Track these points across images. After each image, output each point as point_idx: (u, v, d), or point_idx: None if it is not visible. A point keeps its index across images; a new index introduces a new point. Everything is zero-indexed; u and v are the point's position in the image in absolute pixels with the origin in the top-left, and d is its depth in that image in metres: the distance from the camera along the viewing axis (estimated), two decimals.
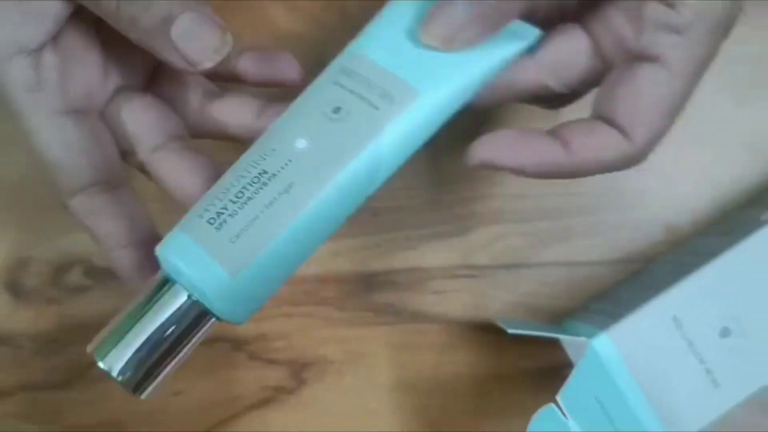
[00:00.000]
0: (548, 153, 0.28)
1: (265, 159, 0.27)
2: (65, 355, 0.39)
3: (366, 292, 0.39)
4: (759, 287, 0.33)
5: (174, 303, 0.27)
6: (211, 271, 0.26)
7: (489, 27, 0.28)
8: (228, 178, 0.27)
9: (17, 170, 0.39)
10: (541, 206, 0.39)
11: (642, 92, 0.28)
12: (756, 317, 0.33)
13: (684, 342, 0.33)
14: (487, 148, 0.28)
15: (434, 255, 0.39)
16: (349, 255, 0.39)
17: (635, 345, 0.32)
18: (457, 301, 0.39)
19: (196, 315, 0.27)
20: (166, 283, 0.27)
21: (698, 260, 0.34)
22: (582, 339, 0.32)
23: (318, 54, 0.38)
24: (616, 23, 0.28)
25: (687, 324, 0.33)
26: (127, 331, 0.27)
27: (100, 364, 0.27)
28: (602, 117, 0.28)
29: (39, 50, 0.29)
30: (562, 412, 0.30)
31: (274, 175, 0.27)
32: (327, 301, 0.39)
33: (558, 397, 0.31)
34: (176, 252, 0.27)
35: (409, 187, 0.39)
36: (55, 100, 0.30)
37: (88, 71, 0.31)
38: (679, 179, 0.38)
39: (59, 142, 0.30)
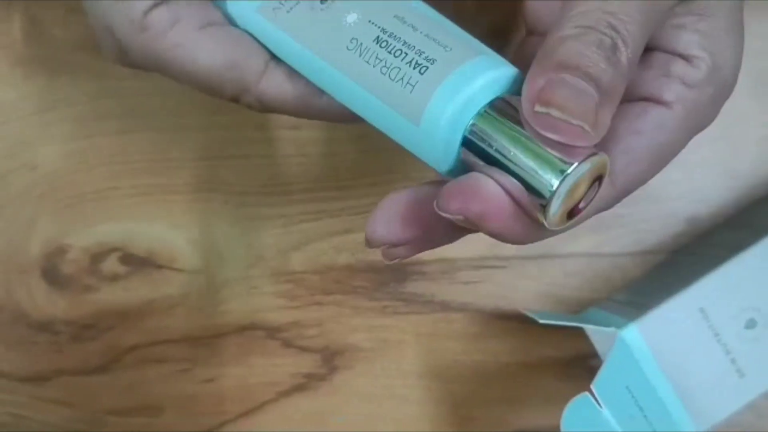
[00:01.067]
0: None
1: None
2: (102, 341, 0.40)
3: (396, 281, 0.40)
4: None
5: None
6: None
7: None
8: None
9: (55, 160, 0.40)
10: None
11: (643, 133, 0.27)
12: None
13: (710, 333, 0.33)
14: (459, 199, 0.26)
15: (462, 246, 0.38)
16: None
17: (663, 336, 0.33)
18: (484, 291, 0.40)
19: None
20: None
21: (722, 253, 0.34)
22: (611, 329, 0.33)
23: None
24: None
25: (713, 315, 0.33)
26: None
27: None
28: None
29: None
30: (597, 401, 0.31)
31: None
32: (358, 290, 0.40)
33: (593, 386, 0.31)
34: None
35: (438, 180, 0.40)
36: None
37: None
38: (701, 172, 0.39)
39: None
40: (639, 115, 0.27)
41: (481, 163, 0.24)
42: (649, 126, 0.27)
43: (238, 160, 0.39)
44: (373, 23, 0.26)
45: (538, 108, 0.23)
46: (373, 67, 0.26)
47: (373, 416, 0.40)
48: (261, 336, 0.40)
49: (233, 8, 0.29)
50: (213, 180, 0.40)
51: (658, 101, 0.27)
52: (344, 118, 0.29)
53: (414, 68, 0.25)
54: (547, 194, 0.23)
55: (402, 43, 0.26)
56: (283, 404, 0.40)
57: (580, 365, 0.39)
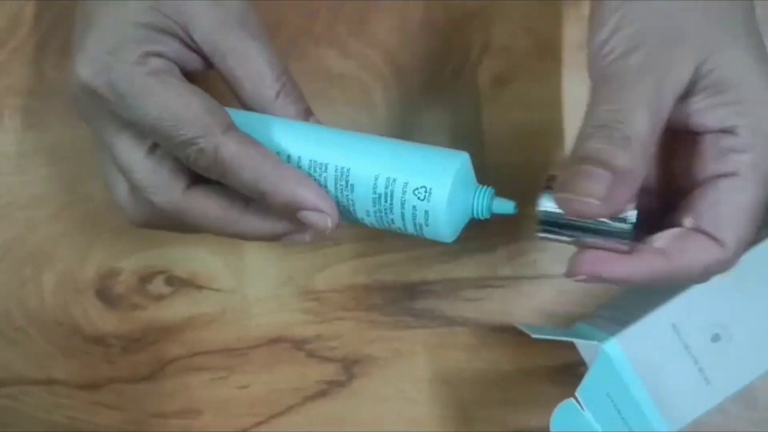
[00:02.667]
0: (652, 263, 0.30)
1: None
2: (148, 353, 0.42)
3: (407, 299, 0.42)
4: (744, 300, 0.36)
5: None
6: None
7: None
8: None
9: (108, 193, 0.40)
10: None
11: (723, 200, 0.30)
12: (741, 325, 0.36)
13: (681, 345, 0.35)
14: (591, 264, 0.30)
15: (466, 268, 0.42)
16: (393, 268, 0.42)
17: (640, 348, 0.35)
18: (486, 307, 0.41)
19: None
20: None
21: None
22: (594, 343, 0.35)
23: (365, 93, 0.42)
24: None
25: (684, 330, 0.35)
26: None
27: None
28: (688, 228, 0.30)
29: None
30: (580, 406, 0.34)
31: None
32: (374, 307, 0.42)
33: (577, 393, 0.34)
34: None
35: None
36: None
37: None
38: None
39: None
40: (715, 189, 0.30)
41: (564, 235, 0.31)
42: (725, 193, 0.30)
43: None
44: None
45: (559, 195, 0.29)
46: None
47: (388, 417, 0.42)
48: (288, 347, 0.42)
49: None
50: None
51: (724, 175, 0.30)
52: (301, 187, 0.32)
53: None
54: (629, 235, 0.30)
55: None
56: (308, 407, 0.42)
57: (570, 372, 0.41)
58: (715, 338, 0.36)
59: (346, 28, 0.42)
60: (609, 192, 0.28)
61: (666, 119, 0.30)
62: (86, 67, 0.32)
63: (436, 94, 0.42)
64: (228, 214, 0.33)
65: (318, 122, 0.35)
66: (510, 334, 0.41)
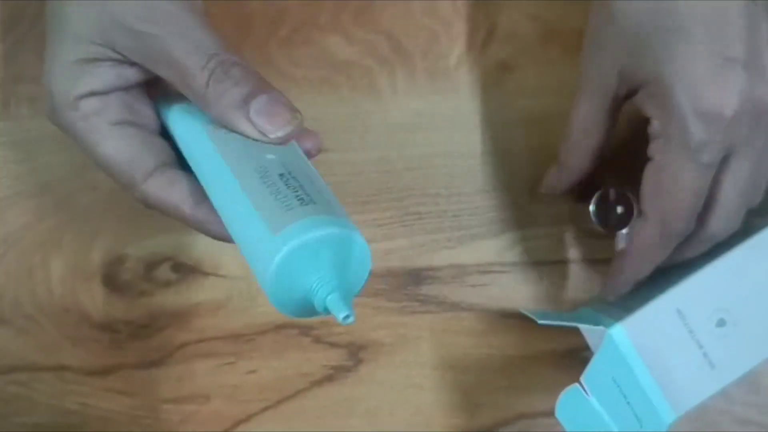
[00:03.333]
0: (624, 265, 0.37)
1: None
2: (156, 339, 0.43)
3: (413, 285, 0.42)
4: (749, 286, 0.36)
5: None
6: None
7: None
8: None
9: (113, 181, 0.41)
10: (560, 212, 0.42)
11: (642, 183, 0.35)
12: (746, 311, 0.36)
13: (686, 331, 0.36)
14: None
15: (471, 254, 0.42)
16: (399, 254, 0.42)
17: (645, 333, 0.35)
18: (490, 293, 0.42)
19: None
20: None
21: (697, 260, 0.37)
22: (600, 328, 0.35)
23: (370, 80, 0.42)
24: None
25: (689, 316, 0.36)
26: None
27: None
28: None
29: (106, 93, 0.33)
30: (585, 391, 0.34)
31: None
32: (380, 292, 0.42)
33: (582, 378, 0.34)
34: None
35: (450, 195, 0.42)
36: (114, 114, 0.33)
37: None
38: None
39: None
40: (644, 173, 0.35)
41: None
42: (647, 175, 0.35)
43: None
44: (283, 164, 0.30)
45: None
46: (267, 187, 0.29)
47: (394, 402, 0.42)
48: (295, 333, 0.43)
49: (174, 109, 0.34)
50: None
51: (649, 158, 0.35)
52: (215, 232, 0.33)
53: (298, 200, 0.28)
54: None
55: (298, 184, 0.29)
56: (315, 392, 0.43)
57: (574, 357, 0.41)
58: (720, 323, 0.36)
59: (352, 15, 0.42)
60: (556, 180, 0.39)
61: (606, 119, 0.36)
62: (46, 101, 0.34)
63: (441, 81, 0.42)
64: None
65: (274, 96, 0.32)
66: (515, 320, 0.42)
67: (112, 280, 0.43)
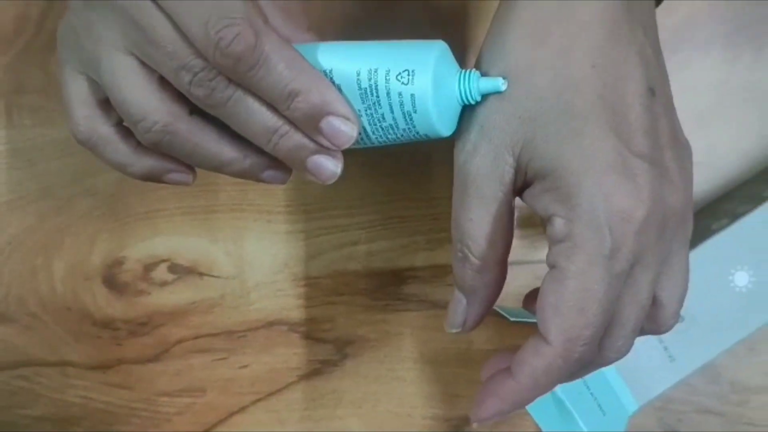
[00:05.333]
0: (506, 389, 0.29)
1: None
2: (154, 336, 0.44)
3: (395, 284, 0.44)
4: (705, 286, 0.37)
5: None
6: None
7: None
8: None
9: (112, 186, 0.44)
10: (531, 215, 0.43)
11: (543, 296, 0.28)
12: (703, 308, 0.37)
13: None
14: (475, 414, 0.30)
15: (449, 255, 0.42)
16: (382, 255, 0.44)
17: None
18: None
19: None
20: None
21: None
22: None
23: None
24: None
25: None
26: None
27: None
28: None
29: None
30: None
31: None
32: (364, 291, 0.44)
33: None
34: None
35: (431, 199, 0.43)
36: None
37: None
38: None
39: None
40: (542, 285, 0.28)
41: None
42: (545, 288, 0.28)
43: (265, 185, 0.40)
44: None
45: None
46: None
47: (378, 394, 0.44)
48: (285, 330, 0.44)
49: None
50: (244, 201, 0.44)
51: (550, 267, 0.28)
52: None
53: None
54: None
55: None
56: (303, 385, 0.44)
57: None
58: (680, 319, 0.37)
59: (338, 29, 0.43)
60: (465, 315, 0.31)
61: (508, 218, 0.29)
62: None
63: None
64: (221, 144, 0.31)
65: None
66: (490, 317, 0.40)
67: (111, 280, 0.44)
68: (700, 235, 0.39)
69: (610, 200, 0.27)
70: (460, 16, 0.43)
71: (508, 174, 0.29)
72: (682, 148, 0.29)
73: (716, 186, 0.42)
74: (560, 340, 0.27)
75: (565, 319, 0.27)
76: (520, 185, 0.29)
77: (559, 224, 0.27)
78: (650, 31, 0.29)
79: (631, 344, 0.30)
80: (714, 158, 0.42)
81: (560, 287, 0.27)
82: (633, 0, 0.29)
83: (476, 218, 0.29)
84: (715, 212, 0.41)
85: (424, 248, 0.44)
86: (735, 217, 0.39)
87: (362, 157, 0.42)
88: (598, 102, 0.27)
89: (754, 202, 0.39)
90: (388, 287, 0.44)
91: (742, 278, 0.39)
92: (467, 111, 0.30)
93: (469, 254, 0.29)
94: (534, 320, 0.38)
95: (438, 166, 0.44)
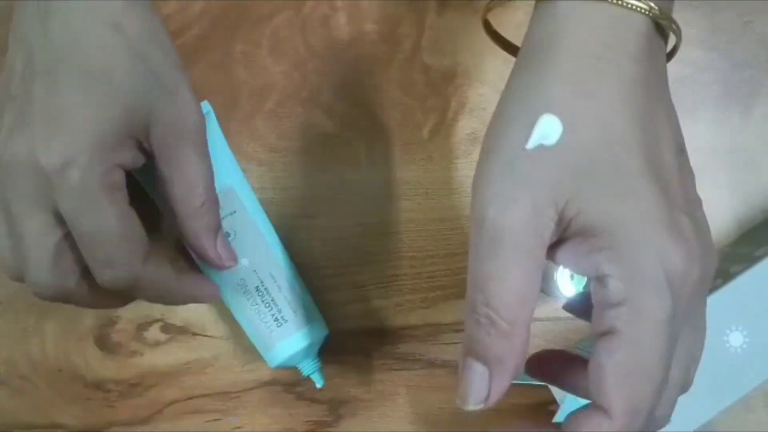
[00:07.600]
0: None
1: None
2: (146, 397, 0.44)
3: (390, 344, 0.44)
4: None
5: None
6: None
7: None
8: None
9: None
10: None
11: (603, 363, 0.25)
12: (698, 369, 0.32)
13: None
14: None
15: (445, 313, 0.44)
16: (377, 314, 0.44)
17: None
18: None
19: None
20: None
21: None
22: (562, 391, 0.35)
23: (350, 151, 0.44)
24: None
25: None
26: None
27: None
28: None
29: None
30: None
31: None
32: (359, 351, 0.44)
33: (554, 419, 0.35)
34: None
35: (425, 258, 0.44)
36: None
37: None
38: None
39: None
40: (596, 352, 0.26)
41: None
42: (602, 357, 0.26)
43: None
44: (255, 272, 0.41)
45: (457, 401, 0.27)
46: (251, 305, 0.41)
47: None
48: (279, 390, 0.44)
49: None
50: None
51: (603, 334, 0.26)
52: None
53: (274, 321, 0.41)
54: None
55: (271, 299, 0.41)
56: None
57: (543, 410, 0.43)
58: None
59: (332, 90, 0.44)
60: (488, 389, 0.27)
61: (537, 275, 0.26)
62: (51, 152, 0.30)
63: (416, 151, 0.44)
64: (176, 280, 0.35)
65: (225, 241, 0.36)
66: None
67: (103, 341, 0.44)
68: None
69: (670, 261, 0.26)
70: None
71: (548, 229, 0.26)
72: (699, 201, 0.29)
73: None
74: (625, 411, 0.25)
75: (633, 390, 0.25)
76: (554, 241, 0.27)
77: (615, 286, 0.26)
78: (668, 87, 0.29)
79: (673, 409, 0.29)
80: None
81: (623, 355, 0.25)
82: (658, 57, 0.28)
83: (509, 277, 0.26)
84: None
85: (420, 306, 0.44)
86: (728, 277, 0.39)
87: (356, 218, 0.44)
88: (646, 159, 0.26)
89: (747, 262, 0.40)
90: (383, 346, 0.44)
91: (737, 338, 0.39)
92: (491, 163, 0.27)
93: (498, 319, 0.26)
94: (530, 382, 0.39)
95: (432, 224, 0.44)
